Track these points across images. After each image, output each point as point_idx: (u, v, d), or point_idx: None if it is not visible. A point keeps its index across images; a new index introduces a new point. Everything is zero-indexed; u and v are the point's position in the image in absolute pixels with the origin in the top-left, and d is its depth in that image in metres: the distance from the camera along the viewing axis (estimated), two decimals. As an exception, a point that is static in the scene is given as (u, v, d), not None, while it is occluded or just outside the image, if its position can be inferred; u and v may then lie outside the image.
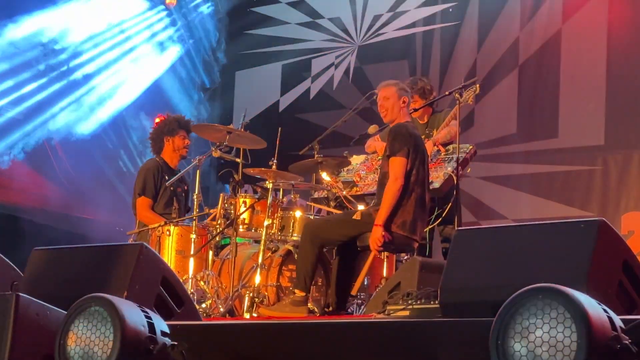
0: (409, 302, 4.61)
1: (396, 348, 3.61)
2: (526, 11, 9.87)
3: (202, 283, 6.94)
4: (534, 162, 9.57)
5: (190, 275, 7.00)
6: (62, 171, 10.47)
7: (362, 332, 3.80)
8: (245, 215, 7.22)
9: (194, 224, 7.13)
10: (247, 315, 6.64)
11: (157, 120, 8.33)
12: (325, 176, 7.32)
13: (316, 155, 7.46)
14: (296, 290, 6.32)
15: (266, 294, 6.86)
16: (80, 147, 10.59)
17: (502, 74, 9.88)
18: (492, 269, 3.69)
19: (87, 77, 10.81)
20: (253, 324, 5.10)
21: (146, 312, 3.51)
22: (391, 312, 4.69)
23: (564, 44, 9.60)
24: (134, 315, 3.45)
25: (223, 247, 7.60)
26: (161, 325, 3.53)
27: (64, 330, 3.50)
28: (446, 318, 3.69)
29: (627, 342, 2.87)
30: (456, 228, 6.53)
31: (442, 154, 7.34)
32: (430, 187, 6.72)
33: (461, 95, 7.22)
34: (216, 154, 7.30)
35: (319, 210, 7.55)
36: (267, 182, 7.12)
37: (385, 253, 6.70)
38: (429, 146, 7.11)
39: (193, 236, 7.11)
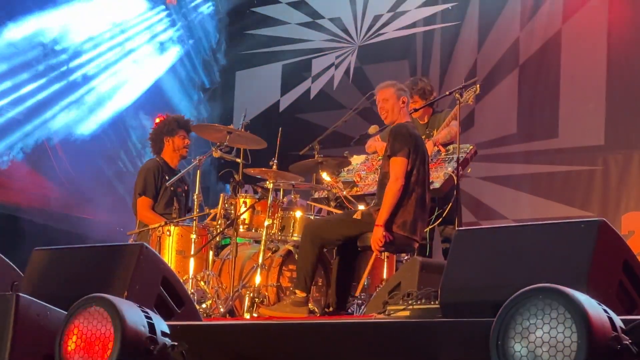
0: (410, 302, 4.61)
1: (396, 348, 3.61)
2: (526, 11, 9.87)
3: (202, 283, 6.94)
4: (534, 162, 9.57)
5: (190, 276, 7.00)
6: (62, 171, 10.47)
7: (363, 333, 3.80)
8: (245, 216, 7.22)
9: (194, 224, 7.13)
10: (247, 316, 6.64)
11: (157, 120, 8.33)
12: (325, 176, 7.32)
13: (316, 156, 7.46)
14: (297, 291, 6.33)
15: (266, 294, 6.86)
16: (81, 147, 10.59)
17: (503, 74, 9.88)
18: (493, 269, 3.69)
19: (87, 78, 10.81)
20: (253, 324, 5.10)
21: (146, 313, 3.51)
22: (391, 312, 4.69)
23: (564, 44, 9.59)
24: (134, 315, 3.45)
25: (223, 247, 7.60)
26: (161, 325, 3.53)
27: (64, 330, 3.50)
28: (446, 318, 3.69)
29: (627, 342, 2.87)
30: (456, 228, 6.53)
31: (443, 154, 7.34)
32: (431, 187, 6.72)
33: (461, 96, 7.23)
34: (216, 154, 7.30)
35: (320, 210, 7.55)
36: (267, 182, 7.13)
37: (386, 253, 6.71)
38: (429, 146, 7.11)
39: (193, 236, 7.11)
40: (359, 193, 7.35)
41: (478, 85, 7.33)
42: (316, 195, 7.64)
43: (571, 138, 9.40)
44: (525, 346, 2.92)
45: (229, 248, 7.30)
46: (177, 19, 11.72)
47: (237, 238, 7.13)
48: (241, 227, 7.23)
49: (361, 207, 6.95)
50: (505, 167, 9.71)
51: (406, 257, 6.88)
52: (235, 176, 7.23)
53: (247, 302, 6.74)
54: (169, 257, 7.13)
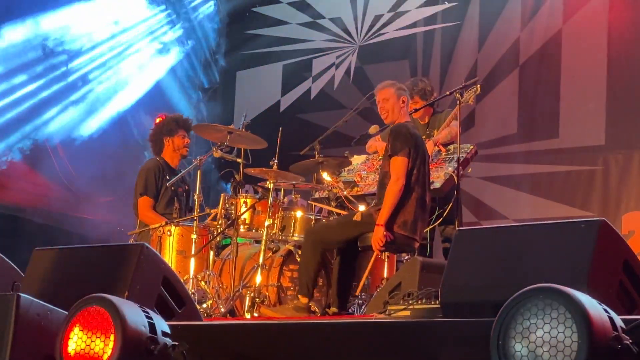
0: (410, 302, 4.62)
1: (397, 348, 3.61)
2: (527, 11, 9.86)
3: (202, 283, 6.95)
4: (535, 162, 9.57)
5: (191, 276, 7.01)
6: (62, 171, 10.46)
7: (363, 333, 3.80)
8: (246, 216, 7.23)
9: (195, 224, 7.13)
10: (248, 316, 6.64)
11: (157, 120, 8.33)
12: (326, 176, 7.32)
13: (317, 155, 7.46)
14: (299, 296, 6.34)
15: (267, 294, 6.86)
16: (81, 147, 10.59)
17: (503, 74, 9.88)
18: (493, 269, 3.69)
19: (88, 78, 10.81)
20: (254, 324, 5.10)
21: (147, 313, 3.51)
22: (392, 312, 4.70)
23: (564, 44, 9.59)
24: (135, 315, 3.45)
25: (224, 247, 7.60)
26: (162, 325, 3.53)
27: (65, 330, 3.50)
28: (447, 318, 3.70)
29: (627, 342, 2.87)
30: (457, 228, 6.52)
31: (443, 154, 7.34)
32: (431, 187, 6.73)
33: (462, 96, 7.23)
34: (217, 154, 7.30)
35: (320, 210, 7.55)
36: (268, 182, 7.13)
37: (386, 253, 6.71)
38: (429, 146, 7.11)
39: (194, 236, 7.11)
40: (360, 193, 7.35)
41: (478, 85, 7.33)
42: (317, 195, 7.64)
43: (571, 138, 9.40)
44: (526, 346, 2.92)
45: (229, 248, 7.30)
46: (177, 19, 11.71)
47: (238, 238, 7.14)
48: (242, 227, 7.23)
49: (362, 207, 6.95)
50: (506, 167, 9.71)
51: (407, 257, 6.88)
52: (236, 176, 7.23)
53: (247, 302, 6.74)
54: (169, 257, 7.13)
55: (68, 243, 9.01)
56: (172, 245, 7.21)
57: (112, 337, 3.39)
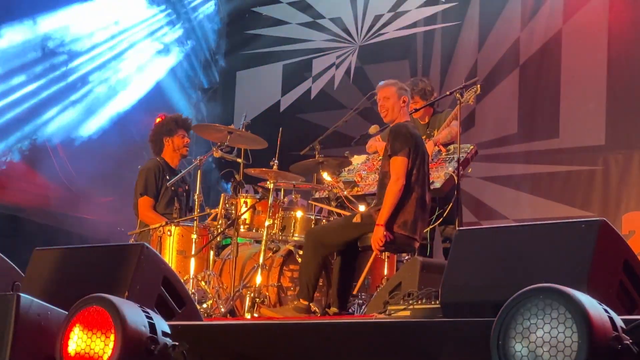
0: (410, 302, 4.62)
1: (397, 348, 3.61)
2: (527, 11, 9.86)
3: (203, 283, 6.95)
4: (535, 162, 9.57)
5: (191, 276, 7.01)
6: (62, 171, 10.46)
7: (363, 333, 3.80)
8: (246, 216, 7.23)
9: (195, 224, 7.13)
10: (248, 316, 6.65)
11: (157, 120, 8.32)
12: (326, 176, 7.32)
13: (317, 156, 7.46)
14: (300, 299, 6.34)
15: (267, 294, 6.86)
16: (81, 148, 10.59)
17: (503, 74, 9.88)
18: (493, 269, 3.69)
19: (88, 78, 10.81)
20: (254, 324, 5.10)
21: (147, 313, 3.51)
22: (392, 312, 4.70)
23: (564, 44, 9.59)
24: (135, 315, 3.45)
25: (224, 247, 7.60)
26: (162, 325, 3.53)
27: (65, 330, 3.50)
28: (447, 318, 3.69)
29: (628, 342, 2.86)
30: (457, 228, 6.53)
31: (443, 154, 7.34)
32: (431, 187, 6.73)
33: (462, 96, 7.23)
34: (217, 154, 7.30)
35: (320, 210, 7.55)
36: (268, 182, 7.13)
37: (386, 253, 6.71)
38: (429, 146, 7.11)
39: (194, 236, 7.11)
40: (360, 193, 7.35)
41: (479, 85, 7.33)
42: (317, 195, 7.64)
43: (572, 138, 9.40)
44: (526, 346, 2.92)
45: (229, 248, 7.30)
46: (177, 19, 11.71)
47: (238, 238, 7.14)
48: (242, 227, 7.23)
49: (362, 207, 6.95)
50: (506, 167, 9.71)
51: (407, 257, 6.88)
52: (236, 176, 7.23)
53: (247, 302, 6.74)
54: (169, 257, 7.13)
55: (68, 243, 9.01)
56: (172, 245, 7.21)
57: (112, 337, 3.38)
